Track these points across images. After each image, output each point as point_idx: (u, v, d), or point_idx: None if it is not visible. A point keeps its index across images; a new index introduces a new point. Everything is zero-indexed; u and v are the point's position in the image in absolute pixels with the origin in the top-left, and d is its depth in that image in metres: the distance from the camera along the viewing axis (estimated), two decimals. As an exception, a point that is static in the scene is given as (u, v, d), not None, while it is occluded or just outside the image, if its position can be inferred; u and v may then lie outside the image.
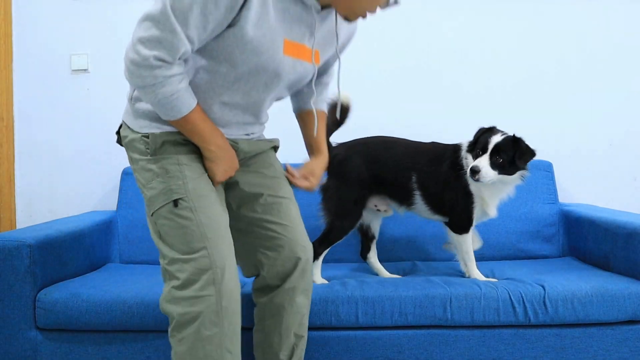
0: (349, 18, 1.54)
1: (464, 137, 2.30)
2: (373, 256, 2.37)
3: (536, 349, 2.02)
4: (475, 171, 2.08)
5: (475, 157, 2.14)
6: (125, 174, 2.73)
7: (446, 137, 2.43)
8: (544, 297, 2.01)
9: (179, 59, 1.37)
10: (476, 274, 2.23)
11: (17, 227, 2.88)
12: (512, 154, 2.11)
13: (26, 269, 2.00)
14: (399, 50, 2.89)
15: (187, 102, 1.43)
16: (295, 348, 1.82)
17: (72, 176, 2.88)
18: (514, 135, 2.14)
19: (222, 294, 1.38)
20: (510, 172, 2.15)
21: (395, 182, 2.25)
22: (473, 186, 2.18)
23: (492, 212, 2.23)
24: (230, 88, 1.50)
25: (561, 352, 2.02)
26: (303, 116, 1.88)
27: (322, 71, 1.83)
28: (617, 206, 2.75)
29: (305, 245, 1.77)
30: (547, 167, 2.75)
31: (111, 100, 2.87)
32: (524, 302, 2.00)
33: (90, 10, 2.86)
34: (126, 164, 2.75)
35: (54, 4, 2.86)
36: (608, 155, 2.92)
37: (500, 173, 2.12)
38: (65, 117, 2.87)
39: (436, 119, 2.86)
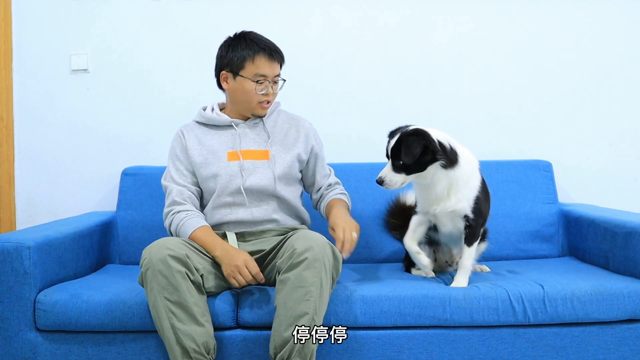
0: (256, 115, 2.19)
1: (464, 138, 2.30)
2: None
3: (536, 348, 2.02)
4: (379, 183, 2.04)
5: None
6: (125, 174, 2.71)
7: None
8: (544, 297, 2.01)
9: (177, 201, 2.16)
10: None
11: (17, 228, 2.88)
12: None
13: (26, 271, 2.00)
14: (398, 53, 2.89)
15: (187, 231, 2.10)
16: (298, 325, 1.80)
17: (72, 176, 2.87)
18: (401, 133, 2.03)
19: (152, 263, 1.89)
20: (418, 169, 2.02)
21: None
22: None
23: (437, 209, 2.10)
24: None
25: (561, 352, 2.02)
26: (325, 209, 2.27)
27: (311, 173, 2.30)
28: (617, 206, 2.73)
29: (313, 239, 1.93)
30: (547, 167, 2.75)
31: (111, 101, 2.88)
32: (523, 302, 2.00)
33: (90, 10, 2.85)
34: (126, 164, 2.79)
35: (54, 4, 2.85)
36: (608, 155, 2.91)
37: (409, 174, 2.03)
38: (65, 117, 2.87)
39: (436, 121, 2.85)
